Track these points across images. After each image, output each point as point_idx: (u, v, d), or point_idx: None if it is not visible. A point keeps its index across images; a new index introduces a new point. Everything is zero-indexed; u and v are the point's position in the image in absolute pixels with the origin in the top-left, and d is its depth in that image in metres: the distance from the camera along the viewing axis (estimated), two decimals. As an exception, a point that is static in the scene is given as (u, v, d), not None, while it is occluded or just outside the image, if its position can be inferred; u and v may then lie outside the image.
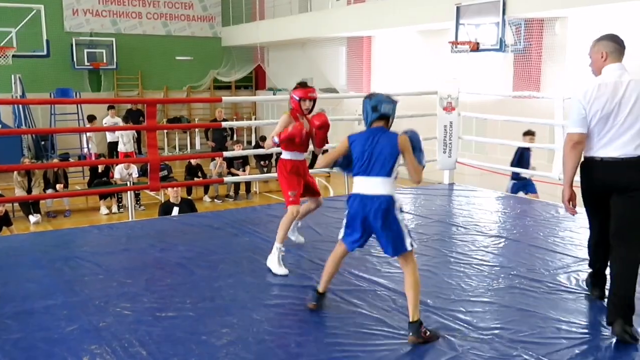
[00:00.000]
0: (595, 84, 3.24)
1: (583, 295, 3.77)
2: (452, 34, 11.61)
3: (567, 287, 3.92)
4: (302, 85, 4.36)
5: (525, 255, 4.60)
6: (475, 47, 11.18)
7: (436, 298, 3.71)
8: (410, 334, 3.09)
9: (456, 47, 11.48)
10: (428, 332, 3.11)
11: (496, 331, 3.25)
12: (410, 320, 3.11)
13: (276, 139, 4.23)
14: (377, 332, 3.24)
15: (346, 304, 3.63)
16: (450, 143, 7.20)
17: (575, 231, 5.33)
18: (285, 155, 4.33)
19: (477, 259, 4.54)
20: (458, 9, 11.38)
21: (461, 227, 5.48)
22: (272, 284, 3.99)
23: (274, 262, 4.21)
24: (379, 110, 3.30)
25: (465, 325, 3.32)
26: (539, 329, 3.28)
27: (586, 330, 3.28)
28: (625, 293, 3.12)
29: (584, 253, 4.59)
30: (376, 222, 3.17)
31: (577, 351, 3.03)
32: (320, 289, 3.53)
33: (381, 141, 3.25)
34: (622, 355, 3.02)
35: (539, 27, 11.04)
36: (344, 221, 3.33)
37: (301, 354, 2.99)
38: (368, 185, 3.23)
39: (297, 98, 4.28)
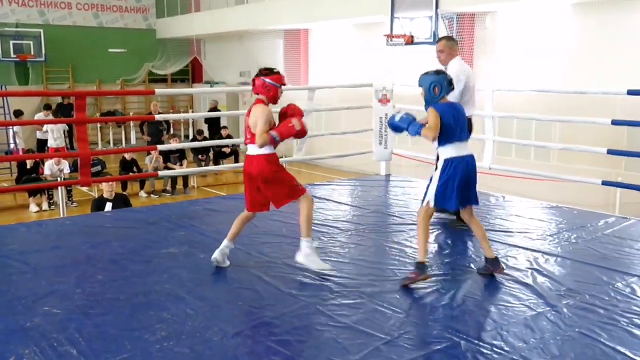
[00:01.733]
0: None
1: (512, 280, 3.90)
2: (387, 27, 11.75)
3: (498, 273, 4.05)
4: (272, 70, 3.97)
5: (459, 243, 4.72)
6: (410, 41, 11.36)
7: (371, 286, 3.76)
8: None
9: (391, 40, 11.63)
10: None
11: (430, 316, 3.32)
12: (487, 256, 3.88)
13: (276, 136, 3.85)
14: (316, 323, 3.26)
15: (285, 295, 3.62)
16: (386, 135, 7.29)
17: (505, 219, 5.51)
18: (267, 149, 3.90)
19: (413, 247, 4.62)
20: (393, 2, 11.54)
21: (397, 216, 5.56)
22: (208, 277, 3.95)
23: (314, 259, 3.91)
24: (453, 85, 3.85)
25: (399, 310, 3.37)
26: (470, 312, 3.37)
27: (512, 313, 3.39)
28: None
29: (513, 240, 4.77)
30: (475, 176, 3.85)
31: (528, 315, 3.14)
32: (422, 258, 3.76)
33: (459, 111, 3.83)
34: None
35: (471, 21, 11.34)
36: (433, 187, 3.80)
37: (237, 345, 2.97)
38: (463, 148, 3.82)
39: (278, 85, 3.92)
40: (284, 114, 4.02)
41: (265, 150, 3.90)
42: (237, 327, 3.16)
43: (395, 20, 11.57)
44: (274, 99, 3.97)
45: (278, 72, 3.99)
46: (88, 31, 18.61)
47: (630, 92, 5.64)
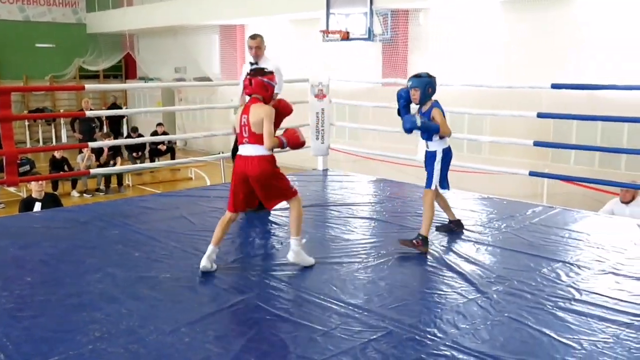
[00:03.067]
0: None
1: (445, 268, 4.02)
2: (323, 23, 11.82)
3: (432, 261, 4.16)
4: (264, 70, 3.98)
5: (393, 234, 4.81)
6: (346, 36, 11.47)
7: (309, 280, 3.79)
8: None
9: (327, 36, 11.71)
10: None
11: (366, 305, 3.38)
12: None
13: (286, 143, 3.90)
14: (255, 317, 3.26)
15: (224, 292, 3.61)
16: (323, 129, 7.34)
17: (439, 210, 5.64)
18: (268, 151, 3.86)
19: (350, 239, 4.69)
20: (328, -2, 11.61)
21: (335, 210, 5.62)
22: (144, 276, 3.88)
23: (303, 257, 4.02)
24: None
25: (336, 302, 3.42)
26: (405, 301, 3.45)
27: (444, 301, 3.50)
28: None
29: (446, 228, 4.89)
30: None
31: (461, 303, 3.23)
32: (426, 233, 4.35)
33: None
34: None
35: (405, 17, 11.54)
36: (437, 172, 4.44)
37: (173, 342, 2.94)
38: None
39: (273, 84, 3.93)
40: (275, 110, 3.96)
41: (267, 152, 3.85)
42: (173, 325, 3.13)
43: (331, 16, 11.65)
44: (270, 98, 3.96)
45: (272, 72, 3.99)
46: (13, 25, 17.87)
47: (554, 86, 5.89)
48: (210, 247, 3.94)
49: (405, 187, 6.92)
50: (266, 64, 5.11)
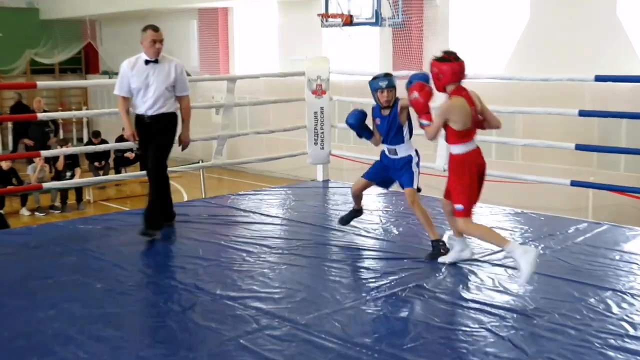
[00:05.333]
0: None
1: (471, 300, 3.99)
2: (321, 5, 11.84)
3: (455, 291, 4.13)
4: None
5: (407, 258, 4.78)
6: (349, 21, 11.49)
7: (306, 314, 3.76)
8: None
9: (327, 21, 11.73)
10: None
11: (375, 346, 3.35)
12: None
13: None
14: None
15: (202, 329, 3.58)
16: (322, 132, 7.34)
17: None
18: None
19: (356, 265, 4.66)
20: (326, -24, 11.65)
21: (337, 230, 5.60)
22: (107, 312, 3.85)
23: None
24: None
25: (339, 341, 3.39)
26: (423, 340, 3.42)
27: (470, 339, 3.47)
28: None
29: (480, 249, 4.88)
30: None
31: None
32: (436, 236, 4.86)
33: None
34: (513, 363, 3.23)
35: (419, -3, 11.56)
36: (418, 174, 5.02)
37: (143, 394, 2.91)
38: None
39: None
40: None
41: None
42: (142, 372, 3.10)
43: (330, -3, 11.68)
44: (439, 88, 4.49)
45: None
46: (-49, 11, 17.95)
47: (599, 79, 5.89)
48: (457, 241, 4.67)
49: (422, 201, 6.87)
50: (167, 63, 5.44)
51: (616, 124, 9.52)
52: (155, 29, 5.41)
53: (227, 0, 14.64)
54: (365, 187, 5.29)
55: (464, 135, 4.35)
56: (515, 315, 3.74)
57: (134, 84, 5.37)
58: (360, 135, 5.21)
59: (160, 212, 5.45)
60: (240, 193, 7.98)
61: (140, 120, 5.46)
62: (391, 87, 4.90)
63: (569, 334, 3.49)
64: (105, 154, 14.15)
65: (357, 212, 5.52)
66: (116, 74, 17.05)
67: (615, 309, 3.81)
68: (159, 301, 3.97)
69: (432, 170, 6.90)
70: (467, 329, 3.58)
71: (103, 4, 16.88)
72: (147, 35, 5.35)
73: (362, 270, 4.62)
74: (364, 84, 8.52)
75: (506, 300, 3.97)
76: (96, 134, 14.98)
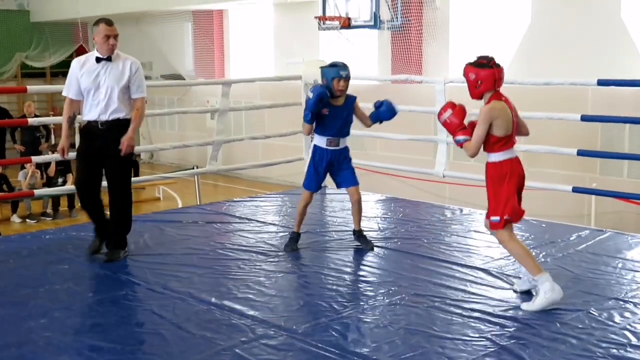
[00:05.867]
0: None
1: (471, 309, 4.01)
2: (318, 7, 11.87)
3: (455, 301, 4.15)
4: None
5: (406, 266, 4.80)
6: (347, 24, 11.51)
7: (303, 323, 3.77)
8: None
9: (324, 24, 11.75)
10: None
11: (373, 355, 3.36)
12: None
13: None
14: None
15: (197, 338, 3.59)
16: (320, 137, 7.35)
17: (464, 235, 5.65)
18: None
19: (353, 273, 4.67)
20: (324, -22, 11.68)
21: (335, 238, 5.61)
22: (100, 321, 3.87)
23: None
24: None
25: (336, 351, 3.40)
26: (422, 350, 3.44)
27: (470, 348, 3.48)
28: None
29: (473, 261, 4.90)
30: None
31: (464, 372, 3.21)
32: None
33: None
34: (513, 373, 3.24)
35: (418, 0, 11.58)
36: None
37: (137, 405, 2.92)
38: None
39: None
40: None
41: None
42: (136, 382, 3.11)
43: (327, 0, 11.70)
44: (477, 95, 4.21)
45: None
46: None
47: (601, 83, 5.91)
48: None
49: (421, 208, 6.93)
50: (122, 60, 4.98)
51: (619, 129, 9.54)
52: (109, 22, 4.93)
53: (222, 2, 14.65)
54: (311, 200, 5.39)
55: (506, 142, 4.12)
56: (516, 325, 3.75)
57: (84, 84, 4.89)
58: (309, 114, 4.95)
59: (123, 230, 5.17)
60: (235, 199, 7.98)
61: (90, 130, 5.00)
62: (349, 77, 5.02)
63: (570, 343, 3.50)
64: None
65: (299, 235, 5.37)
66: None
67: (617, 318, 3.83)
68: (152, 310, 3.98)
69: (431, 177, 6.93)
70: (467, 338, 3.59)
71: (95, 6, 16.86)
72: (99, 30, 4.88)
73: (360, 278, 4.63)
74: (363, 88, 8.56)
75: (506, 309, 3.98)
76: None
